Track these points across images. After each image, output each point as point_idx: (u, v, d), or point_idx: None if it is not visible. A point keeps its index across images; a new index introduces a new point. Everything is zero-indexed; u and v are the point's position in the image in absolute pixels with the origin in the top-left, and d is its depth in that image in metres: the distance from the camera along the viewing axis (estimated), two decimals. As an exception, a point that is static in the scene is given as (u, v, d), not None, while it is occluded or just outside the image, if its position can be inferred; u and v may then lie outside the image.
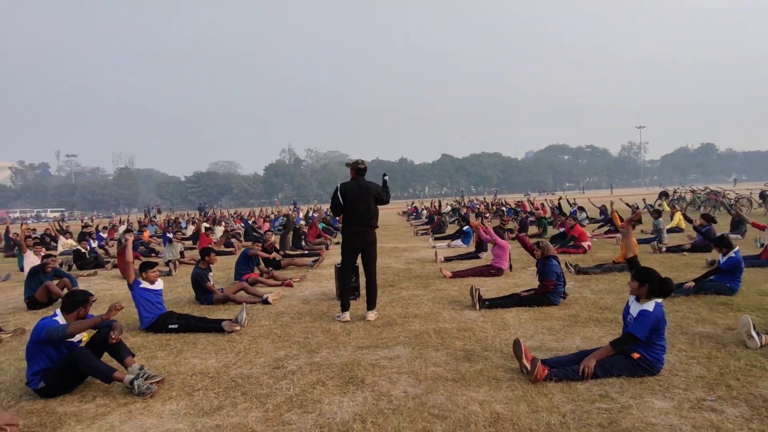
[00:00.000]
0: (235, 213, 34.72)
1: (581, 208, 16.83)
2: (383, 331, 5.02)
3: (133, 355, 4.04)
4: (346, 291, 5.68)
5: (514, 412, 3.05)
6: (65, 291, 7.33)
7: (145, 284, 5.50)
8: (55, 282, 7.47)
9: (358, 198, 5.44)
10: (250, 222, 22.75)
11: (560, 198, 21.54)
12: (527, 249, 6.52)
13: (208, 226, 19.67)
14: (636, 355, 3.51)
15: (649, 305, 3.52)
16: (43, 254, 9.07)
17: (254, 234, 17.73)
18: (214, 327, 5.30)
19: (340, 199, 5.41)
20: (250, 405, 3.37)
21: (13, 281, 10.03)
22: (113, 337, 3.92)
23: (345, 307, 5.61)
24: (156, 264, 5.76)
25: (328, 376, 3.81)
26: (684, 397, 3.16)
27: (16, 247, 15.99)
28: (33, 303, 7.16)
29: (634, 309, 3.64)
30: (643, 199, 17.06)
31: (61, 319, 3.82)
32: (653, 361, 3.52)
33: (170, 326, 5.36)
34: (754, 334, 3.96)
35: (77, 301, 3.94)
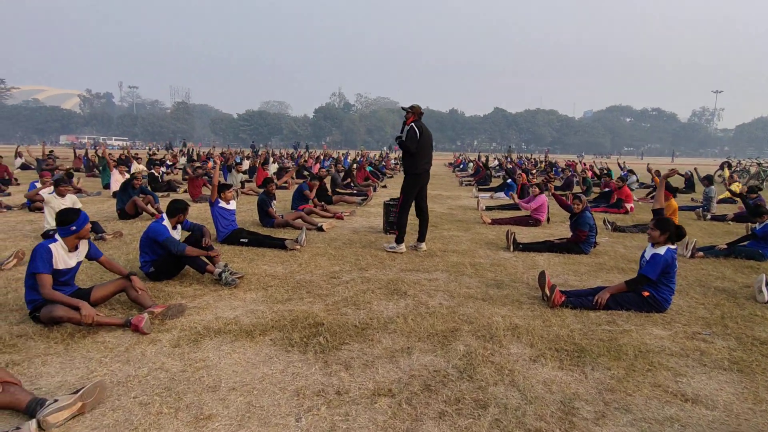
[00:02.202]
0: (285, 152, 35.97)
1: (631, 171, 16.52)
2: (424, 260, 5.70)
3: (219, 255, 4.93)
4: (404, 224, 6.05)
5: (530, 325, 3.67)
6: (148, 206, 8.47)
7: (222, 203, 6.38)
8: (141, 197, 8.60)
9: (428, 138, 5.92)
10: (300, 162, 23.72)
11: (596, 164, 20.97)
12: (563, 206, 6.84)
13: (261, 161, 20.86)
14: (646, 293, 4.00)
15: (661, 249, 3.95)
16: (129, 173, 10.27)
17: (305, 173, 18.66)
18: (278, 244, 6.17)
19: (418, 135, 5.74)
20: (314, 300, 4.18)
21: (102, 197, 11.44)
22: (206, 241, 4.80)
23: (401, 240, 6.06)
24: (231, 185, 6.61)
25: (376, 287, 4.56)
26: (681, 330, 3.66)
27: (96, 168, 17.77)
28: (123, 214, 8.34)
29: (648, 252, 4.07)
30: (695, 168, 16.46)
31: (167, 222, 4.71)
32: (661, 300, 3.99)
33: (241, 240, 6.28)
34: (764, 289, 4.31)
35: (178, 209, 4.81)
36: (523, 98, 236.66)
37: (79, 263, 3.67)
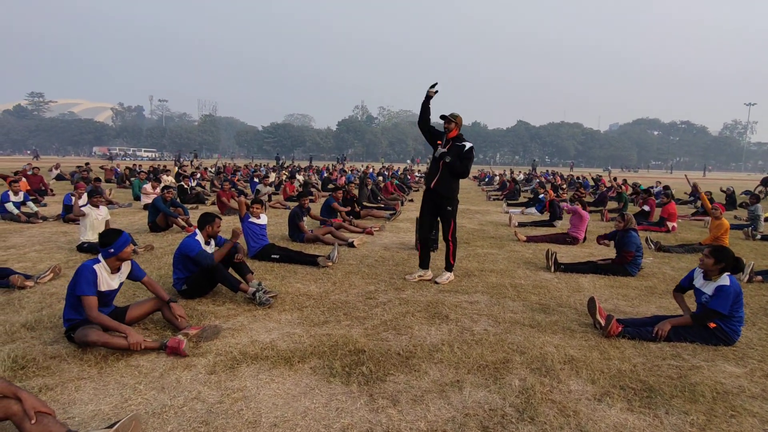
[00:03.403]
0: (308, 166, 36.23)
1: (666, 188, 15.89)
2: (462, 280, 5.45)
3: (252, 273, 4.81)
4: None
5: (587, 356, 3.38)
6: (179, 218, 8.46)
7: (252, 219, 6.28)
8: (172, 209, 8.61)
9: None
10: (325, 174, 23.79)
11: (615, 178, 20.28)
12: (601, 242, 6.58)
13: (287, 175, 20.98)
14: (713, 325, 3.66)
15: (725, 280, 3.61)
16: (161, 187, 10.35)
17: (330, 185, 18.63)
18: (310, 260, 6.01)
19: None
20: (352, 323, 3.98)
21: (134, 208, 11.57)
22: (238, 257, 4.68)
23: (451, 267, 5.38)
24: (262, 201, 6.51)
25: (416, 309, 4.33)
26: (757, 367, 3.31)
27: (128, 180, 18.11)
28: (154, 226, 8.35)
29: (708, 287, 3.71)
30: (729, 188, 15.77)
31: (200, 237, 4.60)
32: (729, 332, 3.64)
33: (273, 255, 6.15)
34: None
35: (206, 221, 4.68)
36: (546, 111, 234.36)
37: (121, 284, 3.57)
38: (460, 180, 5.26)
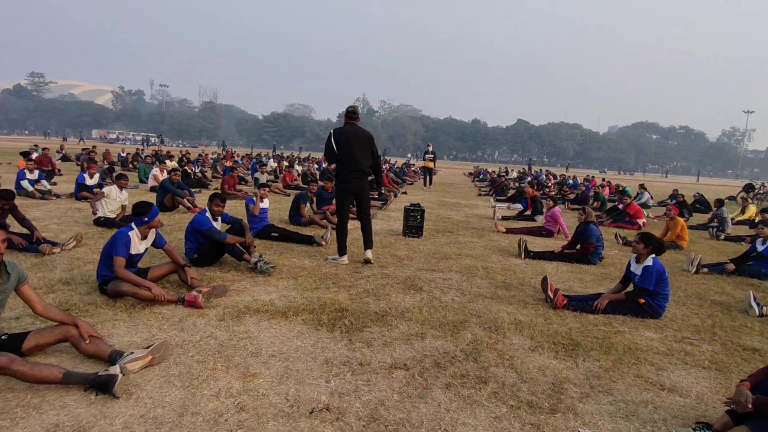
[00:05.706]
0: (309, 156, 36.84)
1: (642, 186, 16.67)
2: (440, 261, 6.14)
3: (255, 246, 5.47)
4: (339, 235, 5.79)
5: (532, 321, 4.08)
6: (185, 200, 9.11)
7: (256, 200, 6.94)
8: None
9: (353, 142, 5.48)
10: (324, 165, 24.40)
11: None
12: None
13: (287, 164, 21.60)
14: (642, 300, 4.36)
15: (649, 261, 4.31)
16: (168, 170, 10.99)
17: (328, 176, 19.29)
18: (306, 239, 6.69)
19: (334, 145, 5.40)
20: (339, 290, 4.66)
21: (140, 190, 12.20)
22: (249, 239, 5.34)
23: (343, 251, 5.79)
24: (269, 185, 7.18)
25: (395, 282, 5.02)
26: (671, 334, 4.01)
27: (132, 164, 18.68)
28: (162, 207, 8.97)
29: (636, 268, 4.42)
30: (697, 193, 16.87)
31: (209, 214, 5.26)
32: (656, 307, 4.35)
33: (272, 234, 6.82)
34: (754, 304, 4.62)
35: (212, 198, 5.34)
36: (547, 111, 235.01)
37: (146, 249, 4.23)
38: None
